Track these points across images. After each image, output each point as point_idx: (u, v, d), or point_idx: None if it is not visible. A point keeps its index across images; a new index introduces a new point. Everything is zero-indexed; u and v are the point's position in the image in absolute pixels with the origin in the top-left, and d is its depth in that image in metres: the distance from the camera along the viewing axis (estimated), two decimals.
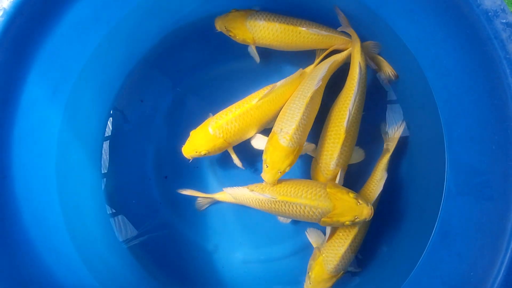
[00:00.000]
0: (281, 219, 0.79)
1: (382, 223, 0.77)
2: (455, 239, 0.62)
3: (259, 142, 0.75)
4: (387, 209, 0.78)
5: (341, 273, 0.72)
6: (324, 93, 0.76)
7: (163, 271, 0.83)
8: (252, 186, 0.73)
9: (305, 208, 0.66)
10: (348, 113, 0.71)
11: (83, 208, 0.76)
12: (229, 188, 0.77)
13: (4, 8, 0.55)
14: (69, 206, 0.71)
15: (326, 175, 0.73)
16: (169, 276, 0.83)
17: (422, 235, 0.69)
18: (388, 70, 0.78)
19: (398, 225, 0.78)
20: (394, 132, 0.77)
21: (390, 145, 0.77)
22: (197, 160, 0.87)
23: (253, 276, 0.85)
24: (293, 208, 0.67)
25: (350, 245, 0.71)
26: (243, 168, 0.81)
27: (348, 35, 0.77)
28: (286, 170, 0.67)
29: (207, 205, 0.84)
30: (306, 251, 0.82)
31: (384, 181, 0.74)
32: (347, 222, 0.66)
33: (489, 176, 0.58)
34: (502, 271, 0.51)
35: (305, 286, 0.74)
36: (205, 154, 0.74)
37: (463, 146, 0.64)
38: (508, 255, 0.51)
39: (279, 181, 0.70)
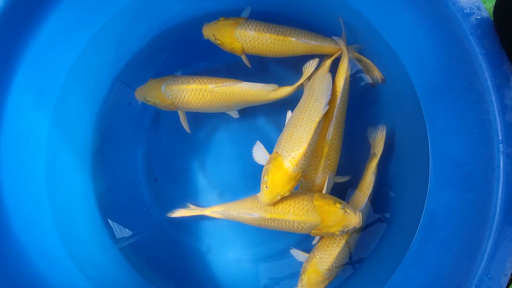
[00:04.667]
0: None
1: (370, 218, 0.79)
2: (441, 230, 0.64)
3: (259, 157, 0.73)
4: (376, 204, 0.79)
5: (334, 275, 0.72)
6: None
7: (156, 273, 0.84)
8: (241, 203, 0.73)
9: (293, 223, 0.67)
10: (330, 127, 0.71)
11: (74, 212, 0.76)
12: (216, 208, 0.78)
13: None
14: (60, 210, 0.71)
15: (312, 191, 0.73)
16: (163, 277, 0.84)
17: (409, 228, 0.70)
18: (376, 73, 0.78)
19: (385, 219, 0.80)
20: (378, 137, 0.78)
21: (377, 150, 0.77)
22: (188, 162, 0.87)
23: (246, 275, 0.85)
24: (282, 224, 0.68)
25: (344, 246, 0.71)
26: (189, 132, 0.82)
27: (337, 43, 0.77)
28: (286, 195, 0.66)
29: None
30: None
31: (373, 184, 0.75)
32: (337, 232, 0.67)
33: (470, 168, 0.60)
34: (484, 259, 0.53)
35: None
36: (151, 104, 0.78)
37: (445, 141, 0.66)
38: (490, 243, 0.53)
39: None
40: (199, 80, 0.75)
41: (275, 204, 0.68)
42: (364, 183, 0.76)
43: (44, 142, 0.70)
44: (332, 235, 0.69)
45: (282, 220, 0.67)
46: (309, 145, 0.66)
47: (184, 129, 0.82)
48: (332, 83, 0.74)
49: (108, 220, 0.83)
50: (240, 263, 0.86)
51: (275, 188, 0.65)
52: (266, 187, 0.65)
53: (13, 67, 0.62)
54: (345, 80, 0.74)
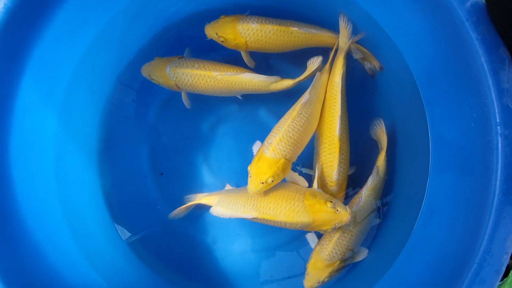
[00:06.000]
0: None
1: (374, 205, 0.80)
2: (442, 213, 0.66)
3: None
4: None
5: (337, 262, 0.73)
6: None
7: (164, 266, 0.85)
8: (235, 197, 0.74)
9: (285, 224, 0.69)
10: (338, 122, 0.73)
11: (83, 208, 0.77)
12: (212, 197, 0.79)
13: None
14: (69, 207, 0.73)
15: (330, 187, 0.75)
16: (171, 270, 0.85)
17: (411, 213, 0.72)
18: (373, 62, 0.80)
19: (388, 206, 0.81)
20: (379, 131, 0.79)
21: (382, 144, 0.79)
22: (191, 156, 0.89)
23: (252, 265, 0.87)
24: (275, 223, 0.70)
25: (344, 233, 0.73)
26: (189, 107, 0.84)
27: (337, 31, 0.78)
28: (269, 182, 0.67)
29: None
30: (300, 238, 0.85)
31: (384, 175, 0.77)
32: (328, 230, 0.69)
33: (470, 151, 0.61)
34: (485, 238, 0.54)
35: (304, 277, 0.75)
36: (155, 82, 0.79)
37: (444, 126, 0.67)
38: (490, 222, 0.54)
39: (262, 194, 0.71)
40: (204, 66, 0.76)
41: (267, 203, 0.69)
42: (376, 172, 0.77)
43: (52, 141, 0.71)
44: (325, 231, 0.70)
45: (274, 221, 0.69)
46: (286, 131, 0.68)
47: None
48: (329, 79, 0.76)
49: (116, 215, 0.84)
50: (246, 253, 0.87)
51: (257, 176, 0.67)
52: (250, 176, 0.68)
53: (21, 67, 0.63)
54: (342, 75, 0.75)
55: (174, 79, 0.77)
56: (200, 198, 0.82)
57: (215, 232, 0.88)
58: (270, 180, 0.67)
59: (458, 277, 0.56)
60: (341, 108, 0.74)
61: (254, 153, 0.73)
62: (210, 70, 0.76)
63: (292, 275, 0.85)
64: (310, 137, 0.74)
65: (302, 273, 0.84)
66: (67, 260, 0.68)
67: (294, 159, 0.71)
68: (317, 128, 0.76)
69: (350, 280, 0.79)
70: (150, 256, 0.85)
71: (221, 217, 0.75)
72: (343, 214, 0.66)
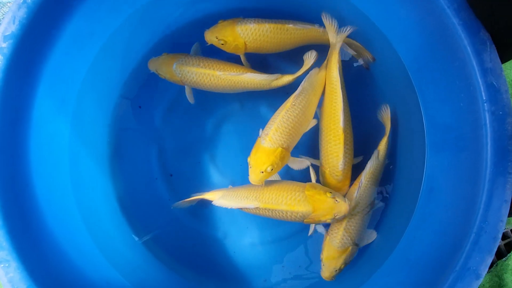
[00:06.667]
0: None
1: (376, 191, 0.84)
2: (441, 191, 0.69)
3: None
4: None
5: (349, 248, 0.75)
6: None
7: (178, 262, 0.88)
8: (238, 191, 0.77)
9: (286, 213, 0.71)
10: (341, 114, 0.76)
11: (98, 211, 0.81)
12: (216, 193, 0.82)
13: (13, 32, 0.60)
14: (86, 210, 0.76)
15: (336, 177, 0.77)
16: (185, 266, 0.88)
17: (412, 193, 0.75)
18: (366, 54, 0.83)
19: (390, 189, 0.84)
20: (384, 116, 0.82)
21: (386, 128, 0.82)
22: (199, 156, 0.92)
23: (263, 257, 0.90)
24: (276, 213, 0.73)
25: (351, 219, 0.75)
26: (192, 102, 0.87)
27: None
28: (269, 171, 0.70)
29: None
30: (308, 228, 0.88)
31: (384, 158, 0.80)
32: (328, 220, 0.71)
33: (461, 130, 0.65)
34: (481, 208, 0.58)
35: (321, 270, 0.77)
36: (161, 77, 0.83)
37: (436, 108, 0.71)
38: (484, 193, 0.57)
39: (264, 186, 0.74)
40: (209, 64, 0.80)
41: (269, 194, 0.73)
42: (376, 156, 0.80)
43: (67, 147, 0.75)
44: (325, 222, 0.72)
45: (275, 210, 0.72)
46: (280, 121, 0.72)
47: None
48: (327, 75, 0.79)
49: (129, 216, 0.87)
50: (257, 246, 0.90)
51: (257, 166, 0.71)
52: (250, 166, 0.72)
53: (35, 80, 0.66)
54: (339, 70, 0.78)
55: (180, 75, 0.81)
56: (204, 194, 0.84)
57: (225, 228, 0.91)
58: (269, 169, 0.70)
59: (459, 248, 0.59)
60: (343, 101, 0.77)
61: (292, 167, 0.76)
62: (214, 69, 0.79)
63: (303, 264, 0.88)
64: (306, 126, 0.77)
65: (312, 261, 0.88)
66: (89, 260, 0.72)
67: (291, 148, 0.75)
68: (320, 122, 0.80)
69: (360, 265, 0.81)
70: (164, 254, 0.88)
71: (224, 207, 0.78)
72: (342, 205, 0.69)
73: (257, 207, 0.73)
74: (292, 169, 0.78)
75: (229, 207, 0.77)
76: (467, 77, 0.60)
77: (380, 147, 0.81)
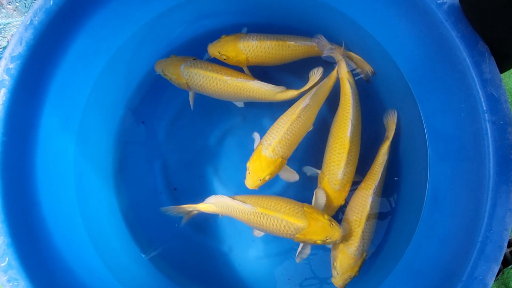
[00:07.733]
0: (256, 233, 0.81)
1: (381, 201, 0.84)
2: (445, 201, 0.70)
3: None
4: (384, 188, 0.84)
5: (364, 254, 0.75)
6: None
7: (184, 277, 0.88)
8: (236, 197, 0.77)
9: (281, 222, 0.70)
10: (350, 124, 0.77)
11: (104, 226, 0.81)
12: (212, 197, 0.80)
13: (20, 52, 0.61)
14: (91, 226, 0.77)
15: (334, 185, 0.77)
16: (191, 280, 0.88)
17: (416, 203, 0.76)
18: (366, 67, 0.84)
19: (394, 201, 0.85)
20: (390, 121, 0.83)
21: (389, 133, 0.82)
22: (202, 170, 0.93)
23: (269, 270, 0.90)
24: (270, 221, 0.71)
25: (366, 224, 0.75)
26: (192, 109, 0.87)
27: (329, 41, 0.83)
28: (266, 179, 0.73)
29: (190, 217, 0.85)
30: None
31: (385, 163, 0.80)
32: (318, 241, 0.70)
33: (463, 139, 0.65)
34: (485, 217, 0.58)
35: (333, 278, 0.75)
36: (167, 78, 0.82)
37: (438, 119, 0.72)
38: (488, 202, 0.58)
39: (263, 195, 0.75)
40: (216, 69, 0.80)
41: (268, 201, 0.73)
42: (377, 162, 0.80)
43: (72, 164, 0.76)
44: (314, 243, 0.72)
45: (271, 216, 0.71)
46: (285, 133, 0.74)
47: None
48: (340, 89, 0.81)
49: (134, 231, 0.87)
50: (262, 259, 0.90)
51: (255, 173, 0.73)
52: (248, 172, 0.73)
53: (42, 98, 0.67)
54: (349, 82, 0.80)
55: (187, 77, 0.80)
56: (197, 206, 0.81)
57: (231, 241, 0.91)
58: (267, 177, 0.73)
59: (465, 257, 0.59)
60: (353, 113, 0.78)
61: (255, 144, 0.77)
62: (222, 74, 0.79)
63: (309, 277, 0.88)
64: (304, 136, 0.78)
65: (317, 273, 0.88)
66: (96, 277, 0.72)
67: (289, 156, 0.77)
68: (330, 130, 0.81)
69: (366, 276, 0.81)
70: (169, 269, 0.88)
71: (220, 206, 0.77)
72: (336, 230, 0.70)
73: (252, 211, 0.72)
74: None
75: (223, 206, 0.76)
76: (467, 88, 0.61)
77: (381, 149, 0.81)
